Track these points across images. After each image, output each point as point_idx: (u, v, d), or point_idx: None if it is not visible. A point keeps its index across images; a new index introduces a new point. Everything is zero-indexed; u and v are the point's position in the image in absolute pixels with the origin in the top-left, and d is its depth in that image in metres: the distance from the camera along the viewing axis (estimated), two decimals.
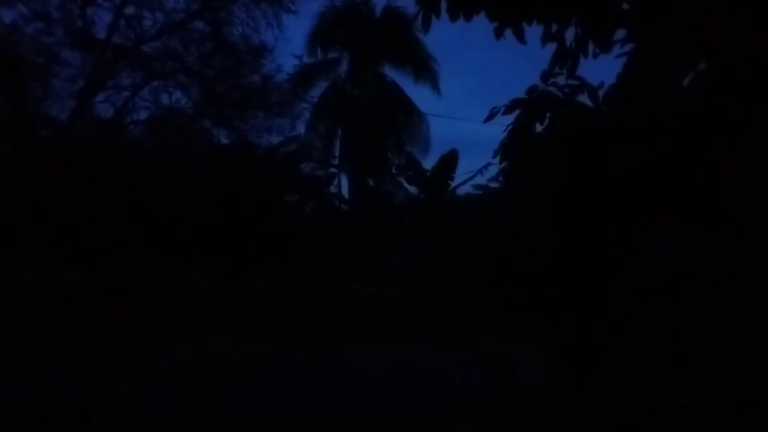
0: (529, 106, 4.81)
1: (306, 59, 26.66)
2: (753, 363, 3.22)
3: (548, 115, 4.78)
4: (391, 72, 27.42)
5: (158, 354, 10.91)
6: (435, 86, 26.76)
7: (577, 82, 4.81)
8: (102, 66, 21.85)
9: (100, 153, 19.08)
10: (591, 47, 4.72)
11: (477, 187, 20.14)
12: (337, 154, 26.89)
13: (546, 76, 4.87)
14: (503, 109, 4.87)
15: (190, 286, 15.40)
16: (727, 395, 3.53)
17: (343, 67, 27.44)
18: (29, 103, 20.77)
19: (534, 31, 4.72)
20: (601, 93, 4.71)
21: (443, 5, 4.56)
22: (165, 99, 23.09)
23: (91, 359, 11.05)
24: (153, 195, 17.51)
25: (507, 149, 4.86)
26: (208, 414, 8.11)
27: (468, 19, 4.56)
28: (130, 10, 22.30)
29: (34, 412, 8.04)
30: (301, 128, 25.30)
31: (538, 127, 4.84)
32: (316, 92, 26.96)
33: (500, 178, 5.19)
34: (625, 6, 4.61)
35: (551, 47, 4.82)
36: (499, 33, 4.63)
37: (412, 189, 23.75)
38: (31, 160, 18.09)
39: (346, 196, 26.10)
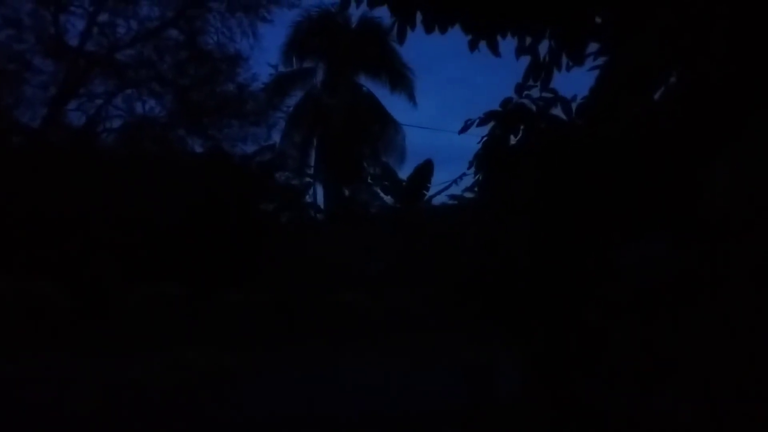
0: (503, 118, 4.84)
1: (281, 68, 26.72)
2: (725, 373, 3.27)
3: (522, 127, 4.81)
4: (366, 82, 27.54)
5: (131, 365, 10.78)
6: (411, 96, 26.94)
7: (550, 95, 4.85)
8: (74, 73, 21.63)
9: (72, 161, 18.85)
10: (564, 60, 4.77)
11: (452, 197, 20.19)
12: (312, 163, 26.92)
13: (520, 88, 4.90)
14: (477, 121, 4.90)
15: (164, 296, 15.25)
16: (701, 405, 3.57)
17: (319, 76, 27.52)
18: (0, 110, 20.48)
19: (509, 44, 4.77)
20: (574, 106, 4.76)
21: (418, 17, 4.59)
22: (138, 107, 22.92)
23: (61, 370, 10.88)
24: (126, 203, 17.33)
25: (481, 161, 4.89)
26: (181, 426, 8.02)
27: (443, 31, 4.60)
28: (103, 17, 22.14)
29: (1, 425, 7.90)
30: (276, 137, 25.29)
31: (513, 140, 4.87)
32: (291, 101, 27.02)
33: (475, 189, 5.20)
34: (598, 20, 4.67)
35: (526, 60, 4.88)
36: (473, 45, 4.67)
37: (388, 199, 23.77)
38: (1, 168, 17.81)
39: (322, 206, 26.08)
